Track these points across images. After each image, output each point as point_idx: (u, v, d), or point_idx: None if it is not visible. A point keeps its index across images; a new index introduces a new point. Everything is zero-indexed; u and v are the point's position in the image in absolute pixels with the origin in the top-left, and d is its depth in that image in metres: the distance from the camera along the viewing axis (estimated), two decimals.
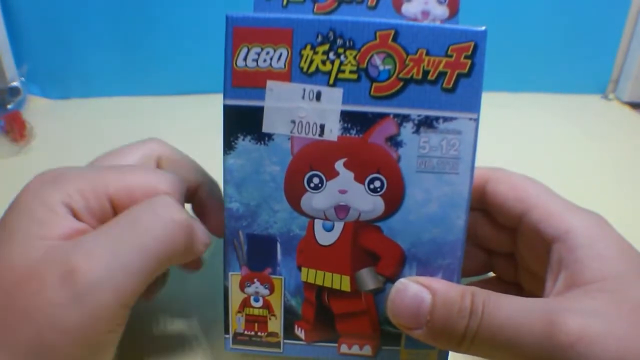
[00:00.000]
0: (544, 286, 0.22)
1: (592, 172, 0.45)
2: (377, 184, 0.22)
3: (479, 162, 0.23)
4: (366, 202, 0.23)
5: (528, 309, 0.20)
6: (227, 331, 0.25)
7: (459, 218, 0.22)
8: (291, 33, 0.21)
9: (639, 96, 0.59)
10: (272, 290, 0.24)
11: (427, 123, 0.22)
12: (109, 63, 0.55)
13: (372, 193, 0.23)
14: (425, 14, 0.22)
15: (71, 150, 0.48)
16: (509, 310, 0.20)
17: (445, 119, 0.22)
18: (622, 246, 0.21)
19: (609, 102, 0.60)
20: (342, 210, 0.23)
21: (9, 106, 0.50)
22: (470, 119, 0.22)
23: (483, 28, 0.21)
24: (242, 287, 0.24)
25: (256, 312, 0.24)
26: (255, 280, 0.24)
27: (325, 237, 0.23)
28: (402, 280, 0.22)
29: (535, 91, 0.59)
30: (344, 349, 0.25)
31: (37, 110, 0.54)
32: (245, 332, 0.25)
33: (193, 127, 0.50)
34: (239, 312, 0.24)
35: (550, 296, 0.21)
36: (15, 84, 0.51)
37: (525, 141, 0.50)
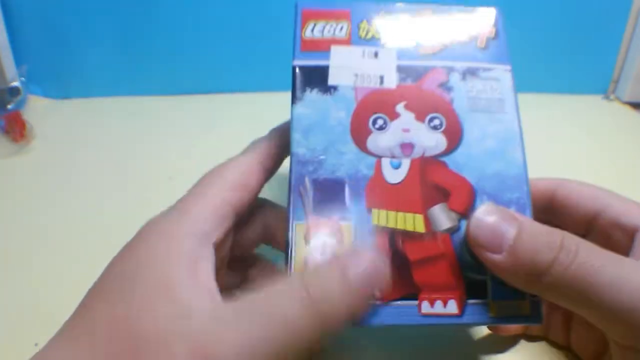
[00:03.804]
0: None
1: (593, 172, 0.45)
2: (437, 121, 0.24)
3: None
4: (429, 138, 0.24)
5: (630, 264, 0.20)
6: None
7: (516, 152, 0.24)
8: (349, 13, 0.26)
9: (639, 96, 0.59)
10: (340, 240, 0.22)
11: (470, 72, 0.25)
12: (109, 63, 0.55)
13: (433, 130, 0.24)
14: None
15: (71, 150, 0.48)
16: (607, 257, 0.20)
17: (485, 69, 0.26)
18: None
19: (610, 103, 0.60)
20: (407, 147, 0.24)
21: (9, 106, 0.50)
22: (505, 70, 0.26)
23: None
24: (307, 239, 0.22)
25: None
26: (321, 229, 0.22)
27: (393, 175, 0.23)
28: (486, 204, 0.21)
29: (536, 91, 0.59)
30: (425, 307, 0.22)
31: (37, 110, 0.53)
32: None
33: (193, 128, 0.50)
34: (302, 270, 0.22)
35: None
36: (15, 84, 0.51)
37: (526, 141, 0.50)
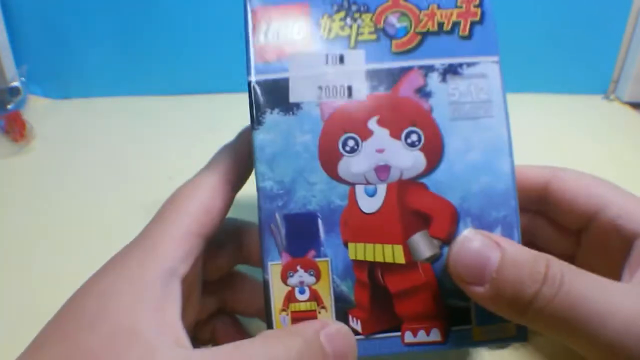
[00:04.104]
0: (620, 280, 0.21)
1: (593, 172, 0.45)
2: (414, 137, 0.22)
3: None
4: (406, 158, 0.22)
5: (618, 291, 0.18)
6: None
7: (504, 163, 0.22)
8: (308, 7, 0.22)
9: (639, 96, 0.59)
10: (318, 277, 0.22)
11: (451, 70, 0.22)
12: (109, 63, 0.55)
13: (410, 148, 0.22)
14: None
15: (71, 150, 0.48)
16: (596, 287, 0.18)
17: (469, 65, 0.22)
18: None
19: (610, 103, 0.60)
20: (382, 170, 0.22)
21: (9, 106, 0.50)
22: (493, 61, 0.22)
23: None
24: (284, 279, 0.22)
25: (303, 306, 0.22)
26: (298, 267, 0.22)
27: (369, 204, 0.22)
28: (468, 230, 0.20)
29: (536, 91, 0.59)
30: (408, 337, 0.21)
31: (37, 110, 0.53)
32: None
33: (193, 128, 0.50)
34: (282, 310, 0.22)
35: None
36: (15, 84, 0.51)
37: (526, 141, 0.50)
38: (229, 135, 0.25)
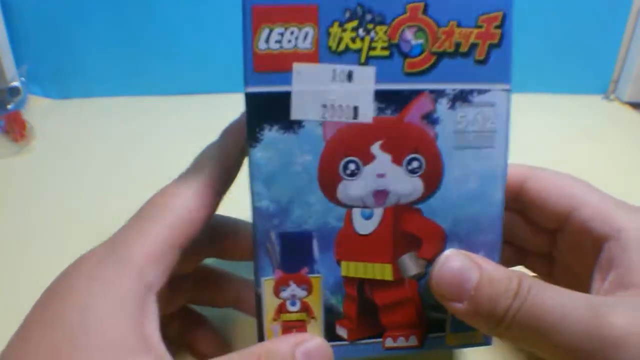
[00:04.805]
0: (590, 284, 0.22)
1: (593, 172, 0.44)
2: (416, 164, 0.22)
3: None
4: (405, 185, 0.22)
5: (575, 301, 0.19)
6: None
7: (497, 192, 0.22)
8: (316, 10, 0.20)
9: (639, 96, 0.59)
10: (310, 291, 0.22)
11: (462, 97, 0.21)
12: (109, 63, 0.55)
13: (410, 174, 0.22)
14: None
15: (71, 150, 0.48)
16: (556, 298, 0.19)
17: (480, 92, 0.21)
18: None
19: (610, 103, 0.60)
20: (380, 195, 0.22)
21: (9, 106, 0.50)
22: (503, 89, 0.22)
23: None
24: (276, 293, 0.22)
25: (293, 317, 0.22)
26: (290, 282, 0.22)
27: (364, 226, 0.22)
28: (449, 250, 0.21)
29: (536, 91, 0.59)
30: (389, 342, 0.23)
31: (37, 110, 0.53)
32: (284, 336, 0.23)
33: (193, 128, 0.50)
34: (274, 320, 0.22)
35: (598, 294, 0.21)
36: (15, 84, 0.51)
37: (526, 141, 0.50)
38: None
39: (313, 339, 0.20)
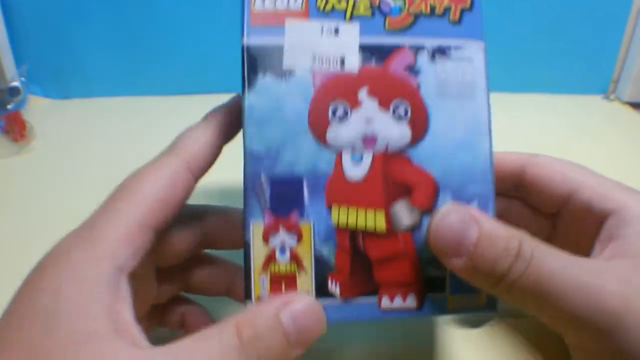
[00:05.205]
0: (590, 255, 0.22)
1: None
2: (402, 110, 0.23)
3: None
4: (393, 130, 0.22)
5: (577, 266, 0.19)
6: (248, 296, 0.22)
7: (484, 143, 0.23)
8: None
9: (639, 96, 0.59)
10: (299, 239, 0.22)
11: (440, 51, 0.23)
12: (109, 63, 0.55)
13: (397, 120, 0.23)
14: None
15: (71, 150, 0.48)
16: (559, 263, 0.19)
17: (457, 48, 0.23)
18: None
19: (610, 103, 0.60)
20: (369, 140, 0.22)
21: (9, 106, 0.50)
22: (479, 47, 0.23)
23: None
24: (265, 239, 0.22)
25: (282, 268, 0.22)
26: (280, 228, 0.22)
27: (354, 171, 0.22)
28: (448, 204, 0.21)
29: (536, 91, 0.59)
30: (385, 303, 0.22)
31: (37, 110, 0.53)
32: (271, 297, 0.22)
33: None
34: (262, 270, 0.22)
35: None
36: (15, 84, 0.51)
37: (526, 141, 0.50)
38: (230, 141, 0.25)
39: (301, 300, 0.19)
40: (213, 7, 0.53)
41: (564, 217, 0.25)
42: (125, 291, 0.19)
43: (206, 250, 0.27)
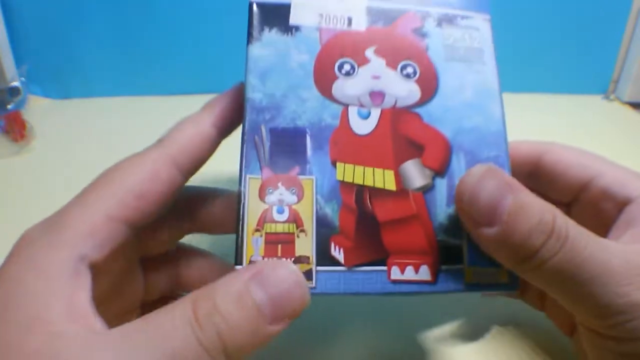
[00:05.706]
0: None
1: None
2: (410, 69, 0.22)
3: None
4: (401, 87, 0.22)
5: (609, 250, 0.18)
6: (239, 260, 0.19)
7: (496, 107, 0.22)
8: None
9: (639, 96, 0.59)
10: (300, 197, 0.20)
11: (447, 19, 0.23)
12: (109, 63, 0.55)
13: (405, 78, 0.22)
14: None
15: (71, 150, 0.48)
16: (595, 244, 0.18)
17: (463, 17, 0.23)
18: None
19: (610, 103, 0.60)
20: (377, 96, 0.22)
21: (9, 106, 0.50)
22: (484, 19, 0.23)
23: None
24: (261, 195, 0.20)
25: (279, 228, 0.19)
26: (279, 184, 0.20)
27: (361, 126, 0.21)
28: (481, 165, 0.19)
29: (536, 91, 0.59)
30: (395, 273, 0.20)
31: (37, 110, 0.53)
32: (265, 260, 0.19)
33: None
34: (256, 230, 0.19)
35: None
36: (15, 84, 0.51)
37: None
38: (228, 135, 0.25)
39: (276, 268, 0.17)
40: (213, 7, 0.53)
41: (579, 204, 0.24)
42: (84, 278, 0.18)
43: (201, 247, 0.27)
